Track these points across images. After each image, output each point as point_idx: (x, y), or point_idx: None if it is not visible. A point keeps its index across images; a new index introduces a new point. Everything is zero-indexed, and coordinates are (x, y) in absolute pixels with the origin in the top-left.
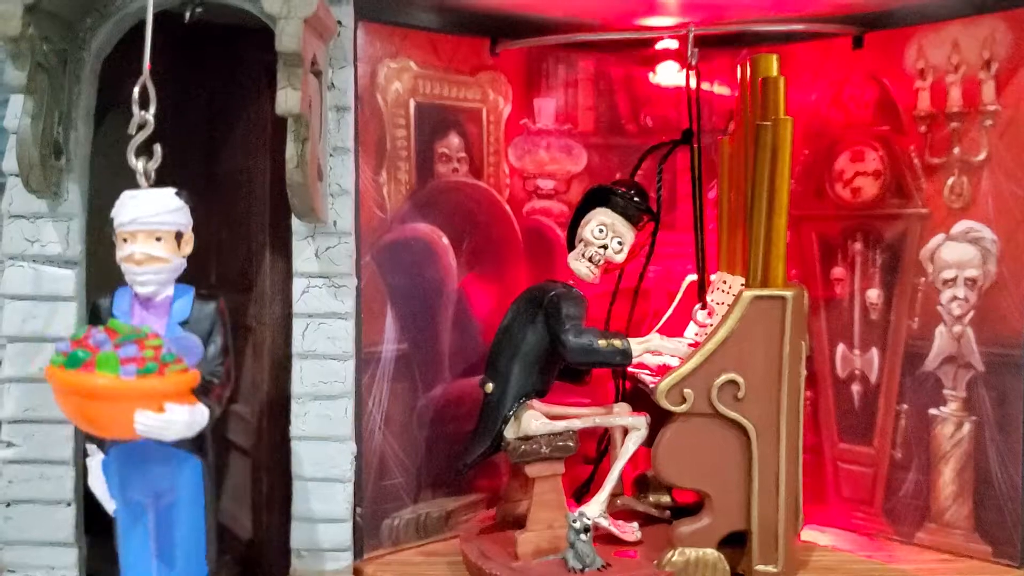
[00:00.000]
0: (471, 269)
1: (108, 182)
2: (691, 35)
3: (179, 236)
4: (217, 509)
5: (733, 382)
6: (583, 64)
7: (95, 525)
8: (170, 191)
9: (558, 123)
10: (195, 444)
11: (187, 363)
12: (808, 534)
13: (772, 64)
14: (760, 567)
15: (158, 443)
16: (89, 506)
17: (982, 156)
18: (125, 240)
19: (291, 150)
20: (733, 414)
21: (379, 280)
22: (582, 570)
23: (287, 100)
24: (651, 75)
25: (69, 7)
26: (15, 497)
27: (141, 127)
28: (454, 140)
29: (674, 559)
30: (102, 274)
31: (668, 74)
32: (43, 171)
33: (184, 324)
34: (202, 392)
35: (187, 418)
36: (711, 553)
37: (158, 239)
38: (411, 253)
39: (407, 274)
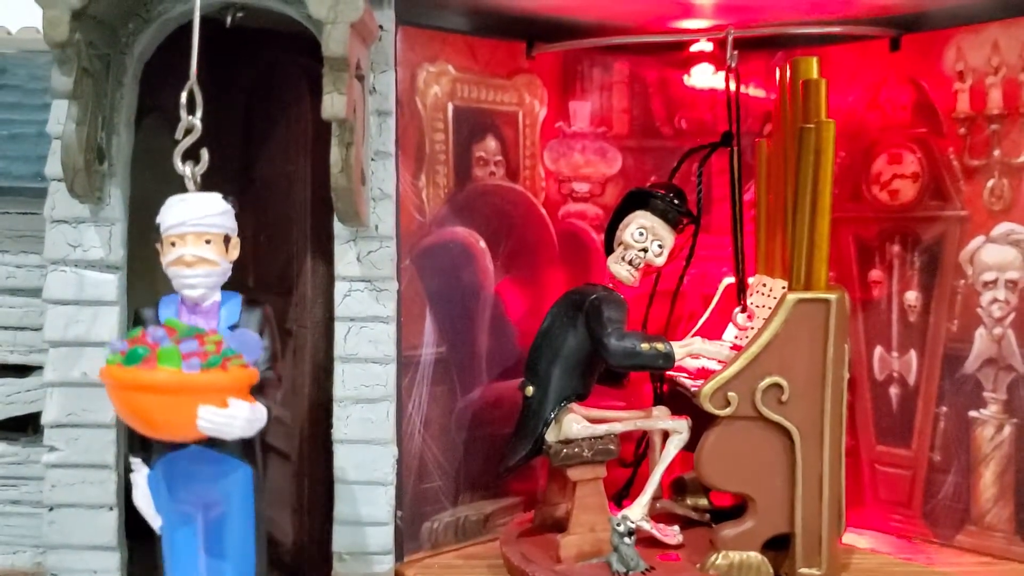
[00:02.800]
0: (507, 272)
1: (149, 187)
2: (730, 38)
3: (227, 240)
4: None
5: (777, 385)
6: (618, 67)
7: (136, 530)
8: (217, 195)
9: (593, 126)
10: (245, 451)
11: (246, 359)
12: (847, 537)
13: (813, 67)
14: (804, 570)
15: (208, 451)
16: (131, 511)
17: (1022, 159)
18: (173, 244)
19: (336, 155)
20: (777, 417)
21: (418, 283)
22: (626, 573)
23: (333, 104)
24: (686, 78)
25: (113, 13)
26: (58, 501)
27: (188, 132)
28: (491, 143)
29: (718, 562)
30: (144, 279)
31: (703, 76)
32: (87, 176)
33: (233, 329)
34: (258, 391)
35: (249, 415)
36: (755, 556)
37: (207, 241)
38: (449, 256)
39: (445, 277)
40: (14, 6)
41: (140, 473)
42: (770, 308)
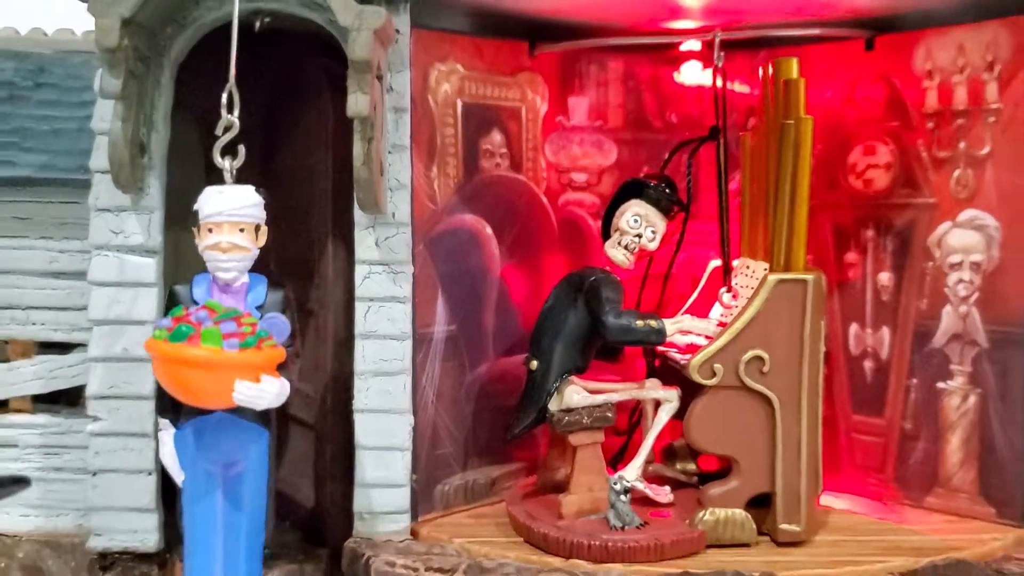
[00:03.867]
0: (512, 256)
1: (181, 177)
2: (717, 40)
3: (257, 228)
4: (277, 479)
5: (759, 358)
6: (613, 65)
7: (170, 495)
8: (250, 187)
9: (590, 120)
10: (263, 418)
11: (276, 340)
12: (825, 499)
13: (793, 67)
14: (784, 526)
15: (232, 417)
16: (167, 475)
17: (986, 150)
18: (210, 230)
19: (358, 149)
20: (759, 387)
21: (430, 267)
22: (622, 528)
23: (357, 103)
24: (676, 75)
25: (155, 19)
26: (101, 467)
27: (227, 129)
28: (496, 137)
29: (705, 518)
30: (180, 262)
31: (691, 74)
32: (131, 169)
33: (260, 308)
34: (282, 367)
35: (277, 389)
36: (739, 513)
37: (241, 230)
38: (458, 242)
39: (455, 261)
40: (50, 9)
41: (167, 432)
42: (753, 288)
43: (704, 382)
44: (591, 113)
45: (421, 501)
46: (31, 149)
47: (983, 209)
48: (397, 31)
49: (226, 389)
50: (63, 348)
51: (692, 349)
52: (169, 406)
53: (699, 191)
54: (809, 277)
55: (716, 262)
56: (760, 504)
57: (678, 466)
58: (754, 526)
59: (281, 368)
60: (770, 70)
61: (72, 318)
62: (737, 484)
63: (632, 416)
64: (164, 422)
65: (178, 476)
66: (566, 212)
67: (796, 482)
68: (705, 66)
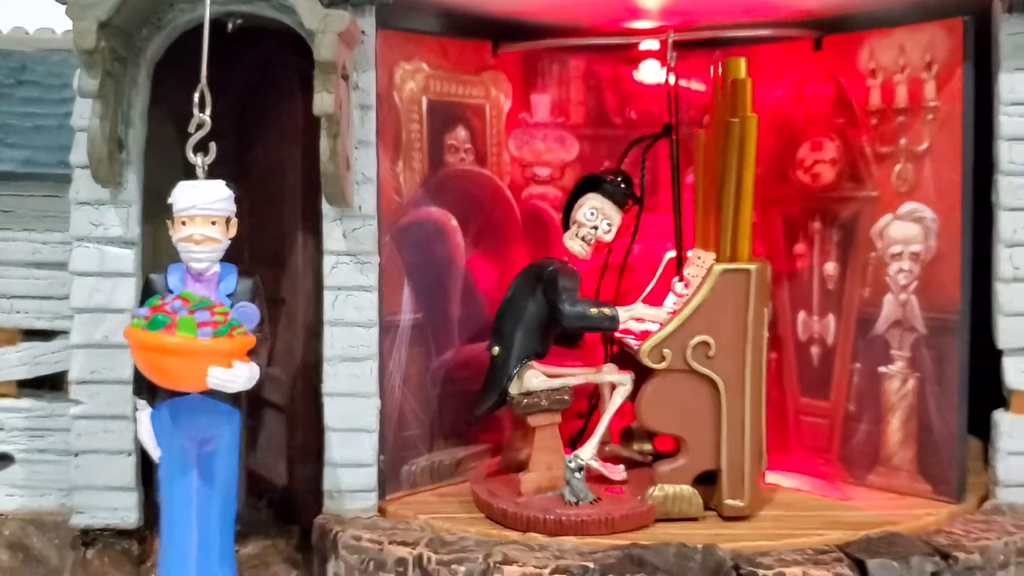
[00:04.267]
0: (476, 247)
1: (159, 172)
2: (670, 40)
3: (228, 221)
4: (250, 460)
5: (705, 343)
6: (574, 63)
7: (149, 475)
8: (221, 182)
9: (552, 116)
10: (234, 398)
11: (246, 328)
12: (773, 478)
13: (741, 67)
14: (729, 501)
15: (205, 397)
16: (146, 456)
17: (924, 146)
18: (184, 223)
19: (324, 145)
20: (705, 370)
21: (396, 257)
22: (577, 503)
23: (322, 102)
24: (635, 73)
25: (131, 22)
26: (83, 448)
27: (199, 127)
28: (461, 133)
29: (655, 494)
30: (158, 252)
31: (650, 72)
32: (109, 164)
33: (231, 296)
34: (252, 352)
35: (248, 373)
36: (687, 489)
37: (213, 223)
38: (424, 233)
39: (421, 252)
40: (31, 8)
41: (144, 412)
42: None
43: (654, 366)
44: (553, 110)
45: (388, 481)
46: (13, 145)
47: (922, 202)
48: (363, 32)
49: (200, 374)
50: (46, 335)
51: (646, 336)
52: (146, 387)
53: (657, 185)
54: (752, 267)
55: (671, 253)
56: (707, 481)
57: (635, 447)
58: (701, 501)
59: (251, 353)
60: (720, 70)
61: (54, 307)
62: (685, 462)
63: (591, 400)
64: (141, 402)
65: (155, 453)
66: (530, 205)
67: (740, 460)
68: (662, 65)
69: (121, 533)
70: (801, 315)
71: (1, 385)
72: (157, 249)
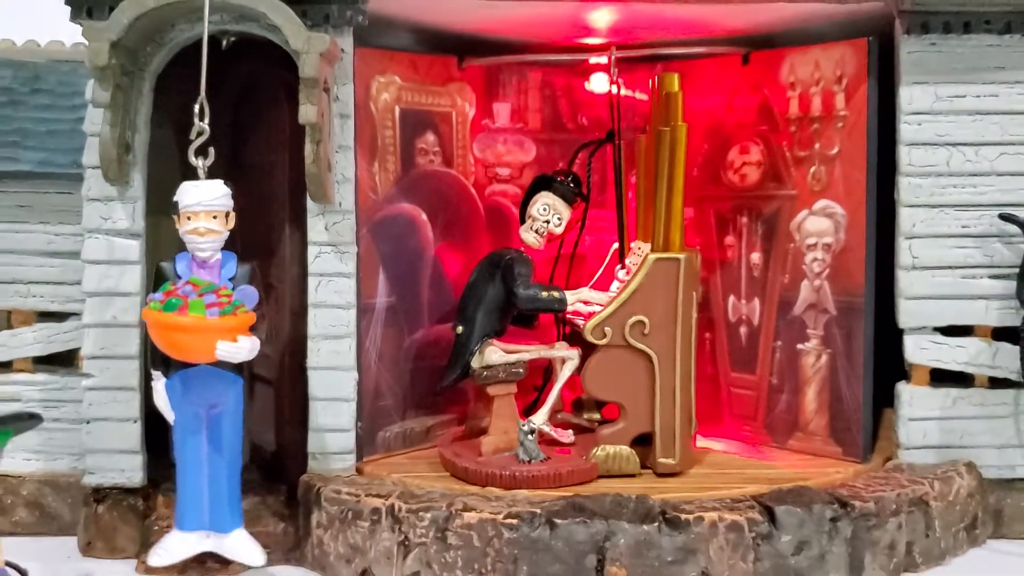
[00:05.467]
0: (444, 239)
1: (160, 171)
2: (613, 57)
3: (227, 215)
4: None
5: (641, 322)
6: (532, 75)
7: (152, 440)
8: (220, 181)
9: (512, 122)
10: (238, 368)
11: (248, 307)
12: (707, 443)
13: (674, 81)
14: (662, 460)
15: (214, 368)
16: (150, 423)
17: (835, 151)
18: (189, 218)
19: (308, 149)
20: (641, 345)
21: (373, 248)
22: (529, 461)
23: (307, 113)
24: (586, 84)
25: (138, 40)
26: (94, 416)
27: (200, 134)
28: (430, 137)
29: (597, 453)
30: (159, 242)
31: (599, 83)
32: (118, 166)
33: (231, 279)
34: (253, 328)
35: (250, 345)
36: (625, 449)
37: (214, 217)
38: (397, 226)
39: (394, 243)
40: (43, 22)
41: (159, 382)
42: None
43: (596, 342)
44: (513, 116)
45: (365, 445)
46: (30, 147)
47: (833, 200)
48: (342, 50)
49: (210, 348)
50: (59, 317)
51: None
52: (160, 360)
53: (605, 184)
54: (681, 256)
55: (616, 244)
56: (644, 443)
57: (584, 416)
58: (637, 460)
59: (252, 328)
60: (657, 83)
61: (67, 291)
62: (624, 425)
63: (546, 374)
64: (156, 373)
65: (170, 416)
66: (491, 201)
67: (672, 423)
68: (609, 77)
69: (128, 491)
70: (731, 299)
71: (19, 361)
72: (159, 239)
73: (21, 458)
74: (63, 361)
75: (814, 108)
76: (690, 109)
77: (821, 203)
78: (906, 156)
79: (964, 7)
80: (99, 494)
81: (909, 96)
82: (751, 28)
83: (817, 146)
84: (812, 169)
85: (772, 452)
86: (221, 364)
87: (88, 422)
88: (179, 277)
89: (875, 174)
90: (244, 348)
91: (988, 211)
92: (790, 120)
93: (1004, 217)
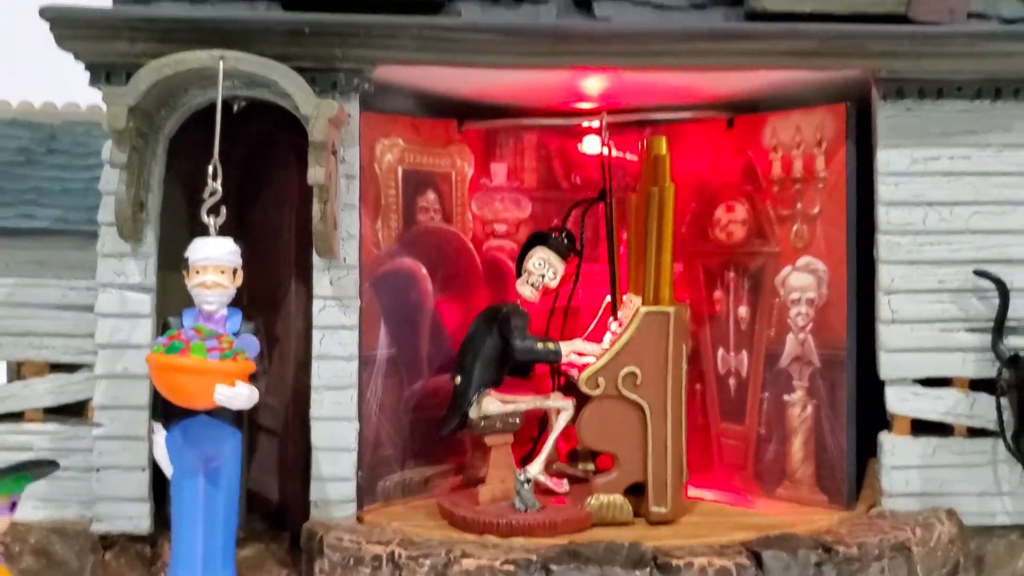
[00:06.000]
0: (443, 292)
1: (170, 229)
2: (604, 122)
3: (235, 271)
4: (248, 478)
5: (633, 373)
6: (528, 137)
7: (159, 488)
8: (230, 239)
9: (509, 181)
10: (237, 421)
11: (248, 355)
12: (698, 492)
13: (662, 145)
14: (654, 508)
15: (213, 420)
16: (157, 472)
17: (816, 210)
18: (198, 272)
19: (316, 208)
20: (633, 396)
21: (375, 301)
22: (525, 510)
23: (315, 174)
24: (579, 145)
25: (153, 104)
26: (103, 464)
27: (212, 194)
28: (431, 195)
29: (592, 502)
30: (166, 295)
31: (592, 145)
32: (132, 223)
33: (235, 334)
34: (252, 378)
35: (248, 393)
36: (619, 498)
37: (222, 272)
38: (399, 281)
39: (395, 297)
40: (59, 85)
41: (160, 434)
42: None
43: (590, 392)
44: (510, 176)
45: (366, 494)
46: (46, 205)
47: (815, 256)
48: (348, 115)
49: (209, 391)
50: (71, 368)
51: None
52: (162, 412)
53: (598, 240)
54: (671, 310)
55: (609, 298)
56: (636, 492)
57: (579, 466)
58: (631, 509)
59: (251, 379)
60: (645, 146)
61: (79, 343)
62: (617, 474)
63: (542, 424)
64: (157, 425)
65: (168, 469)
66: (489, 256)
67: (663, 473)
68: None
69: (135, 538)
70: (720, 351)
71: (31, 411)
72: (167, 294)
73: (30, 506)
74: (73, 411)
75: (796, 170)
76: (678, 169)
77: (804, 259)
78: (884, 215)
79: (937, 75)
80: (107, 541)
81: (886, 158)
82: (735, 94)
83: (799, 205)
84: (795, 227)
85: (761, 501)
86: (220, 415)
87: (98, 470)
88: (199, 324)
89: (855, 232)
90: (242, 394)
91: (963, 267)
92: (773, 181)
93: (979, 273)
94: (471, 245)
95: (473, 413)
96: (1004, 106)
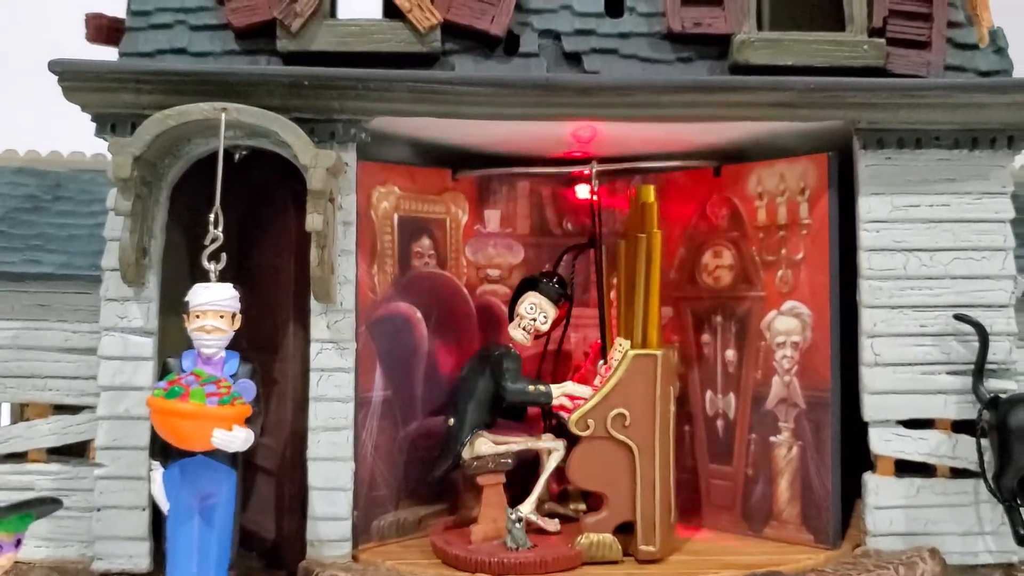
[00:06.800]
0: (437, 336)
1: (172, 274)
2: (594, 170)
3: (234, 316)
4: (245, 517)
5: (622, 414)
6: (520, 184)
7: (158, 527)
8: (229, 285)
9: (502, 227)
10: (232, 461)
11: (245, 400)
12: (688, 532)
13: (650, 193)
14: (643, 547)
15: (209, 460)
16: (157, 511)
17: (800, 256)
18: (198, 316)
19: (314, 254)
20: (622, 437)
21: (371, 344)
22: (517, 549)
23: (313, 221)
24: (570, 193)
25: (157, 154)
26: (104, 504)
27: (214, 240)
28: (426, 241)
29: (582, 541)
30: (167, 339)
31: (583, 192)
32: (136, 269)
33: (233, 376)
34: (248, 421)
35: (244, 437)
36: (608, 537)
37: (221, 316)
38: (394, 324)
39: (391, 340)
40: (64, 134)
41: (157, 472)
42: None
43: (580, 433)
44: (503, 222)
45: (360, 533)
46: (52, 251)
47: (800, 301)
48: (346, 164)
49: (207, 435)
50: (73, 410)
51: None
52: (159, 451)
53: (589, 285)
54: (658, 352)
55: (599, 341)
56: (626, 531)
57: (571, 506)
58: (620, 548)
59: (248, 422)
60: (634, 193)
61: (81, 385)
62: (607, 514)
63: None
64: (155, 464)
65: (164, 506)
66: (483, 300)
67: (652, 512)
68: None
69: None
70: (708, 394)
71: (33, 452)
72: (169, 337)
73: (32, 545)
74: (75, 452)
75: (780, 216)
76: (667, 216)
77: (789, 304)
78: (866, 261)
79: (916, 125)
80: None
81: (867, 206)
82: (721, 144)
83: (784, 251)
84: (780, 272)
85: (749, 540)
86: (216, 455)
87: (99, 509)
88: (198, 368)
89: (838, 277)
90: (239, 438)
91: (944, 311)
92: (758, 227)
93: (959, 317)
94: (465, 290)
95: (466, 453)
96: (981, 155)
